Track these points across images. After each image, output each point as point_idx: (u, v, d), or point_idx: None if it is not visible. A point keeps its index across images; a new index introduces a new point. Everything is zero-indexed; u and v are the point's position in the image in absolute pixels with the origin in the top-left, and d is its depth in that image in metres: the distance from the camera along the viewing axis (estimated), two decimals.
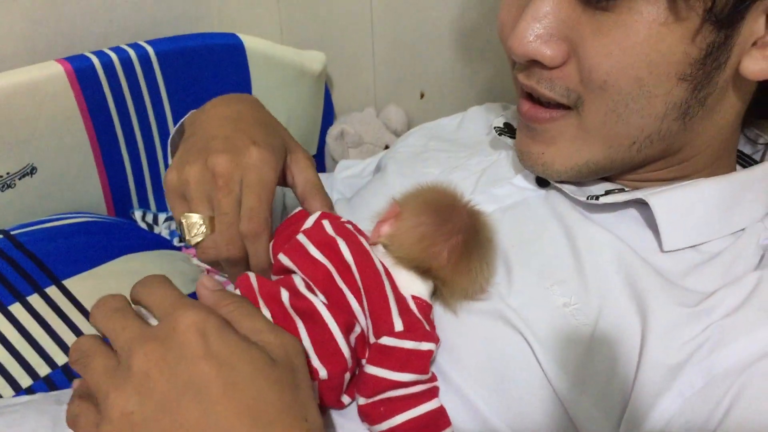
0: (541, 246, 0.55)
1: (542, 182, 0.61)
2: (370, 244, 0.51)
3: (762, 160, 0.62)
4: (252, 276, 0.50)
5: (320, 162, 1.06)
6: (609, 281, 0.51)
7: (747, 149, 0.64)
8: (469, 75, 1.03)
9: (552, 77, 0.53)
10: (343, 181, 0.83)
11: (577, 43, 0.50)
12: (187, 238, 0.53)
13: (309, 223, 0.53)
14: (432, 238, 0.48)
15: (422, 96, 1.08)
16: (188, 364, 0.37)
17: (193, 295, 0.76)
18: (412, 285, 0.49)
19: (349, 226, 0.53)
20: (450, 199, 0.50)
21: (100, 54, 0.78)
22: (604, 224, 0.55)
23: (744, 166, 0.63)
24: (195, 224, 0.53)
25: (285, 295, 0.47)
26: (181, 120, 0.64)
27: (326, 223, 0.51)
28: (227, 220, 0.52)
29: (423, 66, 1.06)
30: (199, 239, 0.53)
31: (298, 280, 0.48)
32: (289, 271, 0.50)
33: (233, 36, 0.87)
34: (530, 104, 0.55)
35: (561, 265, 0.53)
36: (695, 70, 0.49)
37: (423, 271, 0.49)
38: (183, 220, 0.53)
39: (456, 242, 0.48)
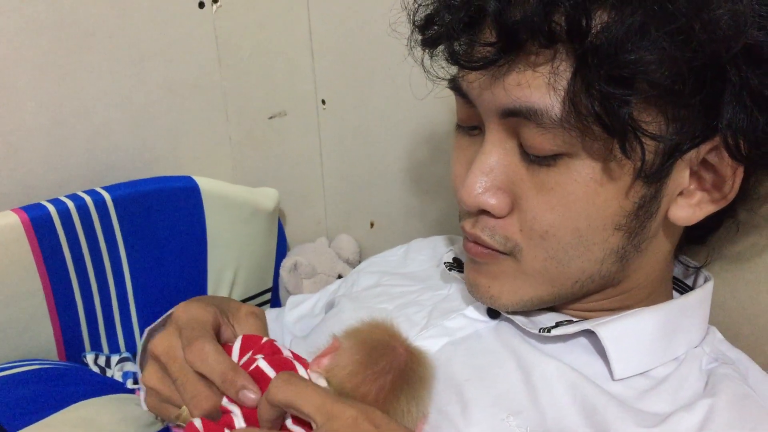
0: (495, 378, 0.57)
1: (493, 313, 0.63)
2: (307, 373, 0.52)
3: (694, 286, 0.66)
4: (197, 422, 0.50)
5: (275, 294, 1.08)
6: (565, 410, 0.53)
7: (679, 273, 0.68)
8: (420, 207, 1.08)
9: (495, 226, 0.57)
10: (294, 324, 0.85)
11: (521, 197, 0.55)
12: (195, 416, 0.53)
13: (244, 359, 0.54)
14: (362, 377, 0.50)
15: (372, 225, 1.12)
16: None
17: None
18: None
19: (290, 356, 0.54)
20: (387, 338, 0.52)
21: (56, 202, 0.80)
22: (556, 354, 0.58)
23: (680, 292, 0.67)
24: (177, 416, 0.54)
25: None
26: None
27: (263, 363, 0.52)
28: (181, 383, 0.52)
29: (372, 198, 1.10)
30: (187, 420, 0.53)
31: (237, 419, 0.49)
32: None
33: (188, 179, 0.90)
34: (473, 243, 0.59)
35: (516, 396, 0.55)
36: (629, 221, 0.54)
37: None
38: (178, 421, 0.54)
39: (384, 382, 0.50)
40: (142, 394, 0.69)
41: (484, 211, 0.57)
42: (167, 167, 0.95)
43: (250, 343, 0.56)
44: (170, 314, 0.62)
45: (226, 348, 0.55)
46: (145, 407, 0.81)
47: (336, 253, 1.09)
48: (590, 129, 0.49)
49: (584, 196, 0.52)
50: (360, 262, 1.05)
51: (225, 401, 0.51)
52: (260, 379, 0.52)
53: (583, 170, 0.52)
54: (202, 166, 0.98)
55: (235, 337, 0.57)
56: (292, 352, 0.56)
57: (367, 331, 0.53)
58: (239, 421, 0.49)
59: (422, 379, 0.52)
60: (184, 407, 0.53)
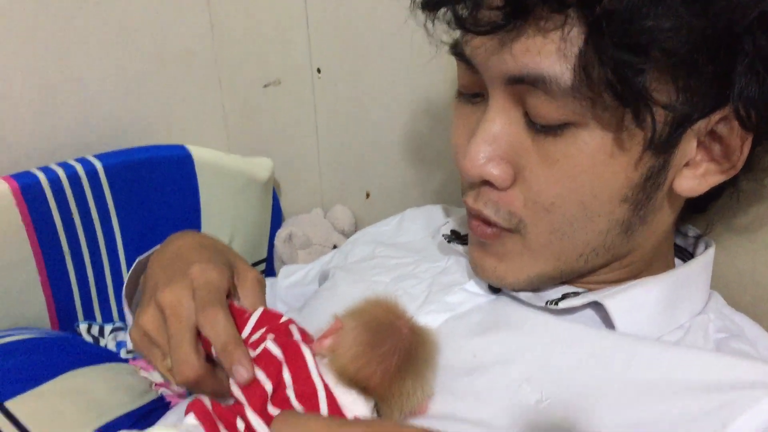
0: (502, 349, 0.56)
1: (495, 288, 0.62)
2: (313, 355, 0.51)
3: (695, 253, 0.66)
4: (206, 401, 0.50)
5: (270, 265, 1.07)
6: (576, 371, 0.52)
7: (680, 241, 0.68)
8: (417, 178, 1.06)
9: (498, 200, 0.55)
10: (287, 290, 0.84)
11: (525, 168, 0.53)
12: (176, 382, 0.52)
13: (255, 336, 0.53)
14: (366, 359, 0.48)
15: (368, 196, 1.11)
16: None
17: (141, 409, 0.75)
18: (355, 406, 0.49)
19: (299, 339, 0.53)
20: (391, 317, 0.50)
21: (46, 170, 0.78)
22: (566, 322, 0.57)
23: (682, 259, 0.67)
24: (165, 366, 0.53)
25: (240, 425, 0.47)
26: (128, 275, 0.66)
27: (271, 345, 0.51)
28: (176, 343, 0.52)
29: (368, 168, 1.09)
30: (168, 376, 0.53)
31: (249, 411, 0.48)
32: None
33: (181, 147, 0.89)
34: (478, 221, 0.58)
35: (526, 363, 0.54)
36: (636, 193, 0.53)
37: (361, 389, 0.50)
38: (163, 370, 0.53)
39: (389, 364, 0.49)
40: (129, 319, 0.68)
41: (486, 183, 0.55)
42: (160, 136, 0.93)
43: (267, 320, 0.55)
44: (167, 244, 0.62)
45: (240, 314, 0.54)
46: (128, 341, 0.80)
47: (331, 224, 1.08)
48: (601, 98, 0.48)
49: (591, 167, 0.51)
50: (356, 233, 1.04)
51: (235, 389, 0.50)
52: (266, 361, 0.51)
53: (591, 141, 0.50)
54: (195, 135, 0.97)
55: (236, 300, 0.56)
56: (300, 332, 0.55)
57: (370, 310, 0.51)
58: (250, 413, 0.48)
59: (427, 360, 0.51)
60: (167, 360, 0.52)
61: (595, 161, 0.51)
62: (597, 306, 0.57)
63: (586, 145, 0.51)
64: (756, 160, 0.58)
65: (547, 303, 0.57)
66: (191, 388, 0.52)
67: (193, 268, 0.55)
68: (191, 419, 0.48)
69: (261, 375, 0.49)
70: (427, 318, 0.60)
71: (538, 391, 0.51)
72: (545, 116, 0.50)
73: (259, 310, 0.55)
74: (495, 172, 0.54)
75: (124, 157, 0.86)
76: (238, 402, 0.49)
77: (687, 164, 0.54)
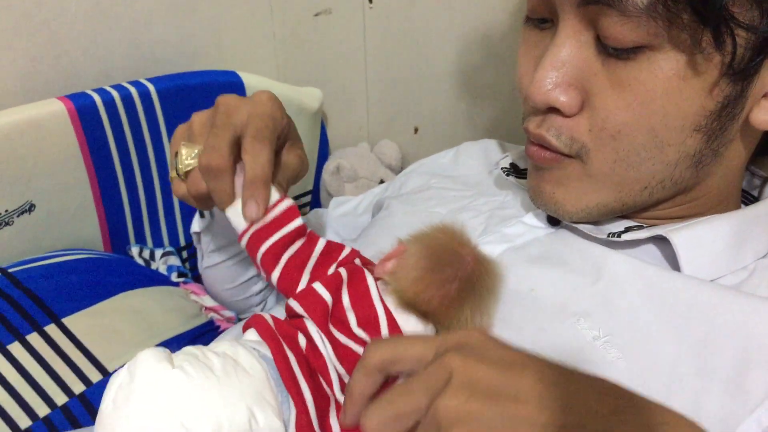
0: (561, 282, 0.55)
1: (554, 221, 0.61)
2: (374, 278, 0.51)
3: (761, 196, 0.64)
4: (268, 317, 0.50)
5: (315, 197, 1.07)
6: (640, 310, 0.51)
7: (745, 184, 0.66)
8: (467, 113, 1.04)
9: (562, 126, 0.54)
10: (338, 219, 0.84)
11: (594, 94, 0.51)
12: (179, 167, 0.54)
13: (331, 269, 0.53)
14: (426, 282, 0.48)
15: (416, 131, 1.09)
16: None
17: (193, 332, 0.76)
18: (414, 331, 0.49)
19: (358, 263, 0.53)
20: (455, 244, 0.50)
21: (101, 92, 0.78)
22: (628, 257, 0.55)
23: (745, 203, 0.65)
24: (190, 153, 0.53)
25: (302, 341, 0.47)
26: None
27: (340, 269, 0.51)
28: (215, 132, 0.52)
29: (417, 102, 1.07)
30: (191, 166, 0.53)
31: (311, 326, 0.48)
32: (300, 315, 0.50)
33: (233, 74, 0.88)
34: (537, 146, 0.56)
35: (585, 298, 0.53)
36: (710, 122, 0.51)
37: (420, 314, 0.50)
38: (179, 150, 0.54)
39: (449, 290, 0.48)
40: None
41: (552, 110, 0.54)
42: (210, 62, 0.92)
43: (334, 248, 0.55)
44: None
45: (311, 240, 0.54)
46: (194, 297, 0.82)
47: (378, 158, 1.07)
48: (679, 17, 0.46)
49: (664, 93, 0.49)
50: (402, 168, 1.03)
51: (294, 304, 0.50)
52: (329, 277, 0.51)
53: (665, 64, 0.48)
54: (245, 62, 0.96)
55: None
56: (363, 262, 0.55)
57: (435, 236, 0.51)
58: (313, 328, 0.48)
59: (489, 290, 0.51)
60: (198, 148, 0.53)
61: (668, 87, 0.49)
62: (661, 241, 0.55)
63: (660, 69, 0.48)
64: None
65: (609, 235, 0.56)
66: (208, 181, 0.53)
67: (260, 95, 0.55)
68: (252, 335, 0.48)
69: (320, 287, 0.49)
70: (485, 249, 0.59)
71: (596, 327, 0.51)
72: (618, 38, 0.48)
73: (323, 241, 0.55)
74: (563, 98, 0.52)
75: (177, 81, 0.85)
76: (298, 317, 0.49)
77: (766, 95, 0.52)
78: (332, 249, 0.54)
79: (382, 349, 0.39)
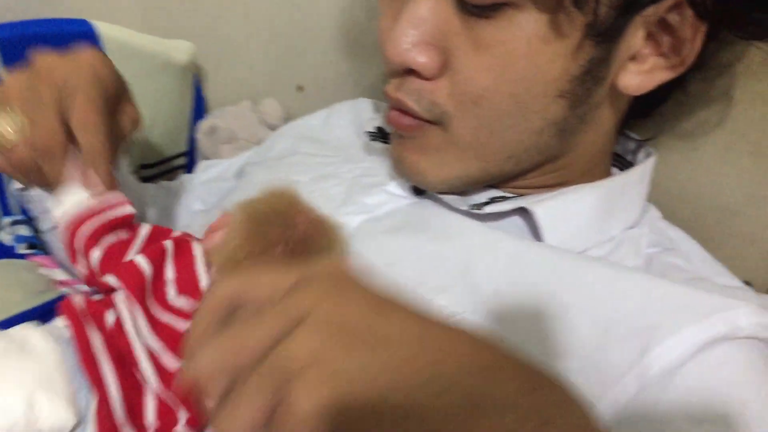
0: (419, 255, 0.52)
1: (418, 190, 0.58)
2: (205, 253, 0.47)
3: (634, 161, 0.62)
4: (79, 297, 0.45)
5: (192, 159, 1.00)
6: (498, 284, 0.49)
7: (619, 148, 0.64)
8: (353, 71, 0.99)
9: (421, 90, 0.50)
10: (205, 185, 0.78)
11: (454, 55, 0.48)
12: (32, 143, 0.48)
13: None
14: (246, 250, 0.44)
15: (300, 89, 1.03)
16: None
17: (41, 308, 0.69)
18: None
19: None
20: (285, 208, 0.46)
21: None
22: (489, 229, 0.53)
23: (619, 168, 0.62)
24: (9, 123, 0.47)
25: (110, 318, 0.42)
26: None
27: (166, 242, 0.47)
28: (44, 105, 0.47)
29: (301, 59, 1.01)
30: (12, 137, 0.48)
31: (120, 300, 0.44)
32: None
33: (83, 22, 0.80)
34: (396, 112, 0.53)
35: (444, 273, 0.50)
36: (574, 87, 0.48)
37: None
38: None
39: (272, 255, 0.44)
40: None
41: (411, 72, 0.50)
42: (63, 8, 0.83)
43: (160, 235, 0.51)
44: None
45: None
46: (42, 270, 0.75)
47: (260, 118, 1.01)
48: None
49: (526, 55, 0.46)
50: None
51: (111, 279, 0.45)
52: (152, 249, 0.46)
53: (527, 25, 0.45)
54: (105, 10, 0.86)
55: None
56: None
57: (265, 203, 0.46)
58: (122, 303, 0.43)
59: (327, 253, 0.47)
60: (20, 119, 0.47)
61: (530, 48, 0.46)
62: (526, 213, 0.53)
63: (521, 29, 0.45)
64: (708, 56, 0.53)
65: (471, 206, 0.53)
66: (39, 161, 0.48)
67: (85, 53, 0.51)
68: (60, 321, 0.43)
69: (140, 258, 0.45)
70: (344, 220, 0.55)
71: (454, 303, 0.48)
72: None
73: (147, 227, 0.50)
74: (421, 59, 0.48)
75: (20, 30, 0.76)
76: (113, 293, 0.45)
77: (633, 58, 0.49)
78: (159, 234, 0.50)
79: (231, 280, 0.33)
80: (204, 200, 0.77)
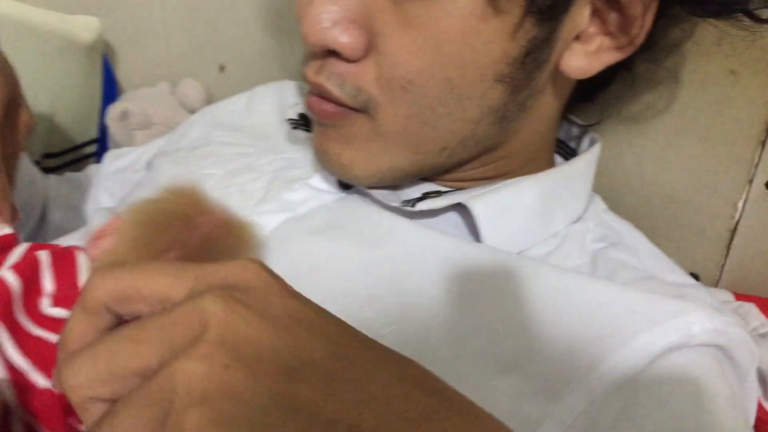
0: (345, 260, 0.47)
1: (345, 185, 0.53)
2: (91, 261, 0.42)
3: (578, 149, 0.58)
4: None
5: (103, 147, 0.92)
6: (433, 290, 0.44)
7: (562, 134, 0.60)
8: (278, 49, 0.93)
9: (344, 73, 0.45)
10: (113, 176, 0.70)
11: (380, 34, 0.43)
12: None
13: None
14: (135, 257, 0.38)
15: (222, 69, 0.96)
16: None
17: None
18: None
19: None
20: (186, 209, 0.40)
21: None
22: (422, 229, 0.48)
23: (562, 156, 0.59)
24: None
25: None
26: None
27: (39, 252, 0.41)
28: None
29: (223, 37, 0.94)
30: None
31: None
32: None
33: None
34: (317, 98, 0.47)
35: (372, 280, 0.45)
36: (514, 70, 0.43)
37: None
38: None
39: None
40: None
41: (333, 53, 0.45)
42: None
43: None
44: None
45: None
46: None
47: (179, 101, 0.93)
48: None
49: (460, 35, 0.42)
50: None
51: None
52: (24, 262, 0.40)
53: (462, 1, 0.40)
54: None
55: None
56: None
57: (164, 203, 0.40)
58: None
59: (232, 257, 0.41)
60: None
61: (465, 27, 0.41)
62: (463, 209, 0.48)
63: (455, 6, 0.40)
64: (659, 35, 0.49)
65: (403, 203, 0.48)
66: None
67: None
68: None
69: (6, 272, 0.39)
70: (262, 219, 0.50)
71: (384, 314, 0.43)
72: None
73: (24, 246, 0.43)
74: (343, 39, 0.43)
75: None
76: None
77: (577, 38, 0.45)
78: (37, 249, 0.44)
79: (111, 277, 0.28)
80: (113, 193, 0.70)
